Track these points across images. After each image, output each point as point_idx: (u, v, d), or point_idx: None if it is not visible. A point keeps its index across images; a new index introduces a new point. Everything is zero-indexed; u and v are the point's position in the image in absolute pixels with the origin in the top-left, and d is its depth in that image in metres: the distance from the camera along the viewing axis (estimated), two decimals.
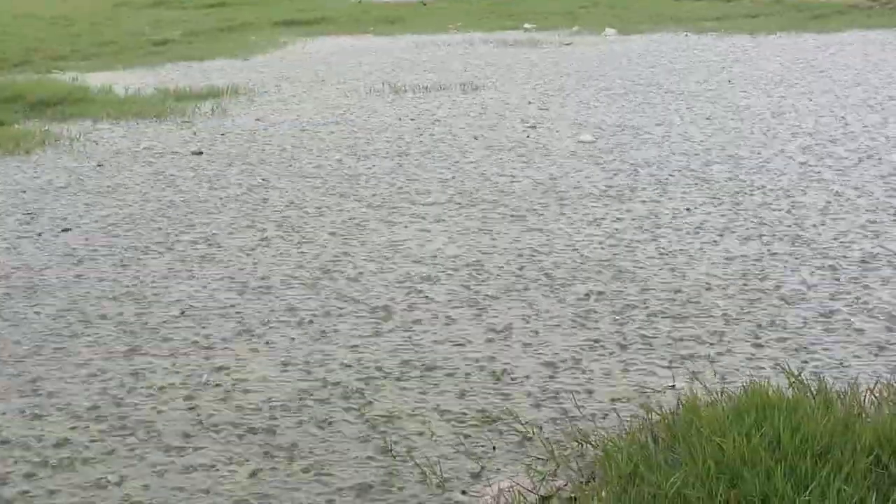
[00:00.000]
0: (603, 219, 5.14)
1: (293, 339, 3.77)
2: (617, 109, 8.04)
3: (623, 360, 3.50)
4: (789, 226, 4.92)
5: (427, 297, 4.15)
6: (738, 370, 3.38)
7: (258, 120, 8.13)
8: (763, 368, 3.38)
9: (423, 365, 3.51)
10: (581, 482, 2.70)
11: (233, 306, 4.11)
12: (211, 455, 2.95)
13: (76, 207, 5.67)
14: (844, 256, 4.46)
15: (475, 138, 7.15)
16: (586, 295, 4.11)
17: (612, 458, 2.70)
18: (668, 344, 3.61)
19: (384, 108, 8.46)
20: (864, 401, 2.98)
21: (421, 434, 3.03)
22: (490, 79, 9.81)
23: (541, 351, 3.59)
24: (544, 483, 2.71)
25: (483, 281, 4.31)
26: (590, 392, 3.26)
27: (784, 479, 2.46)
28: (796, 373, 3.21)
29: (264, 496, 2.74)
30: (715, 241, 4.73)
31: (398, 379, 3.41)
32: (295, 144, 7.18)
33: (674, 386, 3.27)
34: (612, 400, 3.20)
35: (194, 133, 7.69)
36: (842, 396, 2.99)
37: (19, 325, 3.98)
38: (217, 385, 3.40)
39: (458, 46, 12.54)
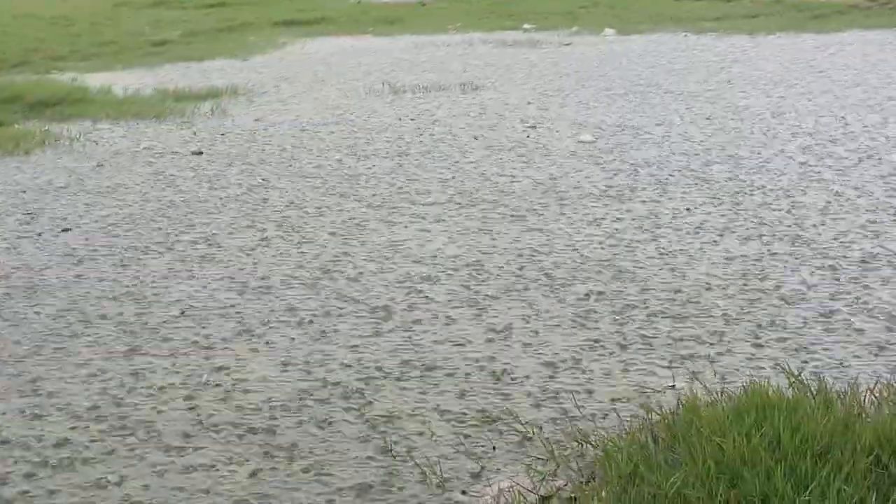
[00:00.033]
0: (603, 219, 5.14)
1: (293, 339, 3.77)
2: (616, 109, 8.04)
3: (623, 360, 3.50)
4: (789, 226, 4.92)
5: (427, 297, 4.15)
6: (738, 370, 3.38)
7: (258, 120, 8.13)
8: (763, 368, 3.38)
9: (423, 365, 3.51)
10: (581, 482, 2.70)
11: (233, 306, 4.11)
12: (211, 455, 2.95)
13: (76, 207, 5.67)
14: (844, 256, 4.46)
15: (475, 138, 7.16)
16: (586, 295, 4.11)
17: (612, 458, 2.70)
18: (668, 344, 3.61)
19: (384, 109, 8.46)
20: (864, 401, 2.98)
21: (421, 434, 3.03)
22: (489, 79, 9.81)
23: (541, 351, 3.59)
24: (544, 483, 2.71)
25: (483, 281, 4.31)
26: (590, 392, 3.26)
27: (784, 479, 2.46)
28: (796, 373, 3.21)
29: (264, 496, 2.74)
30: (715, 241, 4.73)
31: (398, 379, 3.41)
32: (294, 144, 7.18)
33: (674, 386, 3.27)
34: (612, 400, 3.20)
35: (194, 133, 7.69)
36: (842, 396, 2.99)
37: (19, 325, 3.98)
38: (217, 385, 3.40)
39: (458, 47, 12.54)
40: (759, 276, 4.25)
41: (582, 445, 2.89)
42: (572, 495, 2.64)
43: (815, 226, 4.90)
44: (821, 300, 3.97)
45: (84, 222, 5.38)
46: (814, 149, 6.48)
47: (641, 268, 4.41)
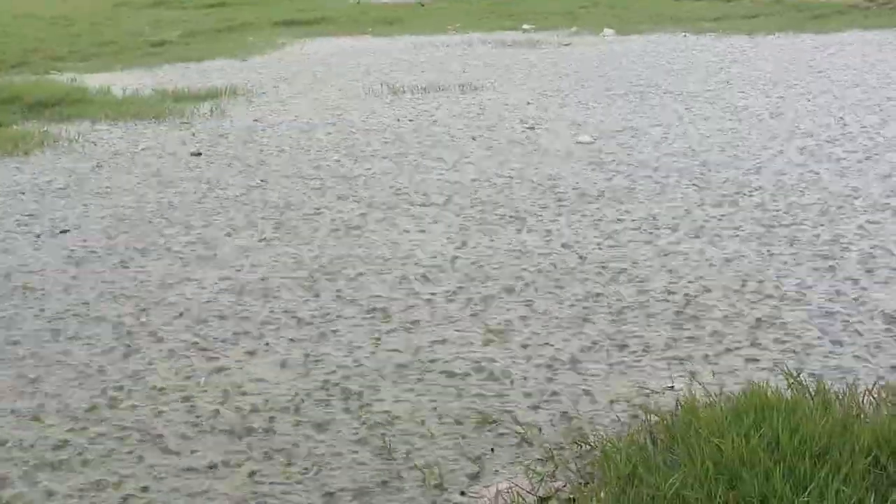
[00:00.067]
0: (601, 220, 5.14)
1: (292, 340, 3.77)
2: (616, 110, 8.04)
3: (621, 361, 3.50)
4: (788, 226, 4.92)
5: (425, 298, 4.15)
6: (736, 371, 3.38)
7: (256, 121, 8.13)
8: (762, 369, 3.38)
9: (421, 366, 3.51)
10: (580, 483, 2.69)
11: (231, 307, 4.11)
12: (209, 457, 2.94)
13: (75, 209, 5.67)
14: (843, 257, 4.46)
15: (474, 139, 7.15)
16: (585, 296, 4.11)
17: (611, 459, 2.70)
18: (667, 345, 3.61)
19: (383, 109, 8.46)
20: (863, 402, 2.98)
21: (420, 435, 3.03)
22: (489, 79, 9.81)
23: (539, 352, 3.59)
24: (543, 484, 2.71)
25: (481, 282, 4.31)
26: (588, 393, 3.26)
27: (783, 480, 2.46)
28: (795, 374, 3.21)
29: (262, 497, 2.74)
30: (713, 242, 4.73)
31: (397, 380, 3.41)
32: (293, 145, 7.18)
33: (672, 387, 3.26)
34: (611, 401, 3.20)
35: (193, 134, 7.69)
36: (840, 397, 2.99)
37: (17, 326, 3.98)
38: (215, 386, 3.40)
39: (457, 47, 12.54)
40: (758, 277, 4.25)
41: (580, 447, 2.89)
42: (571, 496, 2.64)
43: (813, 226, 4.90)
44: (819, 301, 3.97)
45: (82, 223, 5.37)
46: (812, 149, 6.48)
47: (640, 269, 4.41)
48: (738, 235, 4.81)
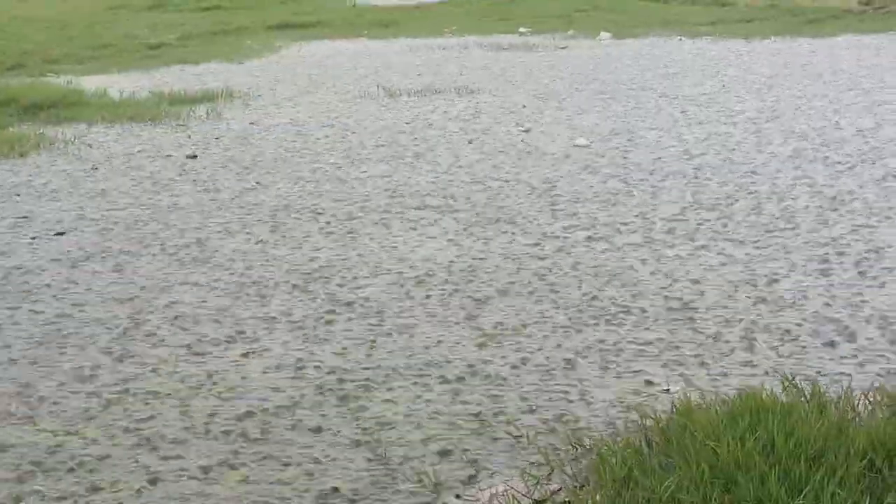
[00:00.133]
0: (597, 222, 5.14)
1: (286, 342, 3.76)
2: (611, 114, 8.05)
3: (617, 363, 3.50)
4: (783, 229, 4.92)
5: (420, 300, 4.15)
6: (732, 374, 3.38)
7: (252, 123, 8.12)
8: (757, 373, 3.38)
9: (416, 368, 3.51)
10: (575, 486, 2.69)
11: (226, 310, 4.11)
12: (204, 459, 2.94)
13: (70, 211, 5.66)
14: (839, 260, 4.46)
15: (469, 142, 7.15)
16: (580, 299, 4.11)
17: (607, 461, 2.70)
18: (663, 348, 3.61)
19: (378, 112, 8.46)
20: (858, 405, 2.99)
21: (415, 438, 3.02)
22: (485, 82, 9.81)
23: (535, 354, 3.59)
24: (539, 487, 2.70)
25: (477, 284, 4.31)
26: (584, 396, 3.26)
27: (778, 484, 2.46)
28: (790, 377, 3.21)
29: (257, 500, 2.73)
30: (708, 246, 4.73)
31: (392, 382, 3.40)
32: (289, 148, 7.18)
33: (668, 390, 3.26)
34: (607, 404, 3.20)
35: (189, 136, 7.68)
36: (835, 401, 2.99)
37: (12, 329, 3.97)
38: (210, 389, 3.39)
39: (453, 50, 12.54)
40: (753, 280, 4.25)
41: (576, 449, 2.89)
42: (567, 499, 2.64)
43: (809, 230, 4.90)
44: (815, 303, 3.97)
45: (78, 225, 5.37)
46: (807, 152, 6.48)
47: (635, 271, 4.41)
48: (730, 238, 4.81)
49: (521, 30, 14.38)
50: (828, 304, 3.96)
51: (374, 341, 3.75)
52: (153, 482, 2.83)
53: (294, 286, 4.35)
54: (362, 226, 5.23)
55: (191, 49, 13.59)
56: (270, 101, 9.21)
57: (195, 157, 6.95)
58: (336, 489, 2.76)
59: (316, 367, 3.54)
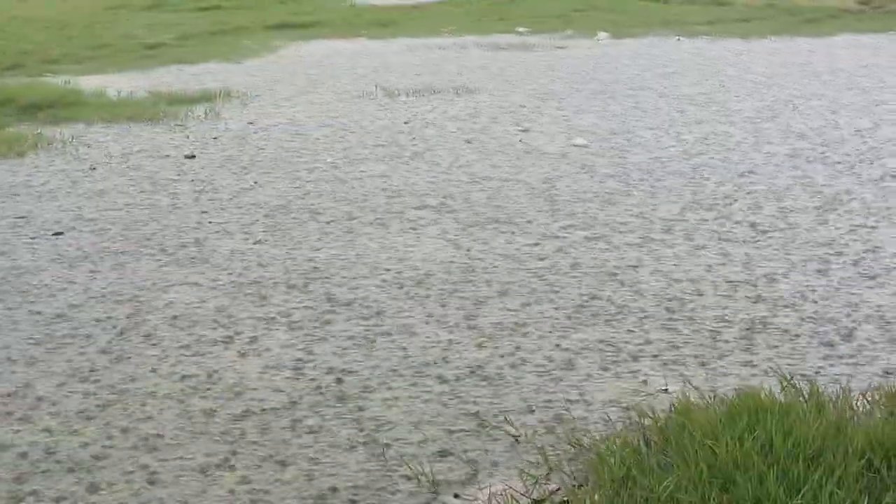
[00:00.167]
0: (595, 222, 5.14)
1: (284, 342, 3.77)
2: (610, 113, 8.05)
3: (616, 363, 3.50)
4: (781, 229, 4.93)
5: (418, 300, 4.15)
6: (730, 374, 3.38)
7: (251, 123, 8.12)
8: (756, 373, 3.38)
9: (414, 368, 3.51)
10: (574, 486, 2.70)
11: (224, 309, 4.11)
12: (201, 460, 2.94)
13: (68, 211, 5.66)
14: (837, 260, 4.46)
15: (468, 142, 7.16)
16: (579, 298, 4.11)
17: (605, 461, 2.70)
18: (661, 348, 3.61)
19: (377, 112, 8.46)
20: (856, 404, 2.99)
21: (413, 438, 3.02)
22: (483, 82, 9.81)
23: (533, 354, 3.59)
24: (537, 487, 2.71)
25: (475, 284, 4.31)
26: (582, 395, 3.26)
27: (776, 483, 2.46)
28: (789, 376, 3.21)
29: (255, 500, 2.73)
30: (707, 245, 4.73)
31: (390, 382, 3.41)
32: (287, 148, 7.17)
33: (666, 389, 3.27)
34: (605, 403, 3.20)
35: (187, 136, 7.68)
36: (834, 400, 2.99)
37: (10, 329, 3.97)
38: (208, 388, 3.40)
39: (451, 50, 12.54)
40: (752, 280, 4.26)
41: (575, 449, 2.89)
42: (565, 499, 2.64)
43: (807, 230, 4.91)
44: (813, 304, 3.97)
45: (76, 226, 5.36)
46: (806, 152, 6.49)
47: (634, 272, 4.41)
48: (729, 238, 4.81)
49: (520, 30, 14.37)
50: (826, 303, 3.96)
51: (373, 341, 3.75)
52: (152, 482, 2.83)
53: (292, 286, 4.35)
54: (360, 225, 5.23)
55: (188, 49, 13.57)
56: (269, 100, 9.20)
57: (193, 157, 6.94)
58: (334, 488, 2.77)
59: (314, 366, 3.54)
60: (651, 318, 3.89)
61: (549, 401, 3.23)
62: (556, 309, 4.01)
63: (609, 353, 3.58)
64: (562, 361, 3.52)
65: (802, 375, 3.29)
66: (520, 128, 7.58)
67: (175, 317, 4.04)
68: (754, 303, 4.00)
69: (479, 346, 3.68)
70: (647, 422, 2.96)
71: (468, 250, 4.77)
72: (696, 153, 6.57)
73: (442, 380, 3.41)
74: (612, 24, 14.53)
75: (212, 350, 3.71)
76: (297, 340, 3.78)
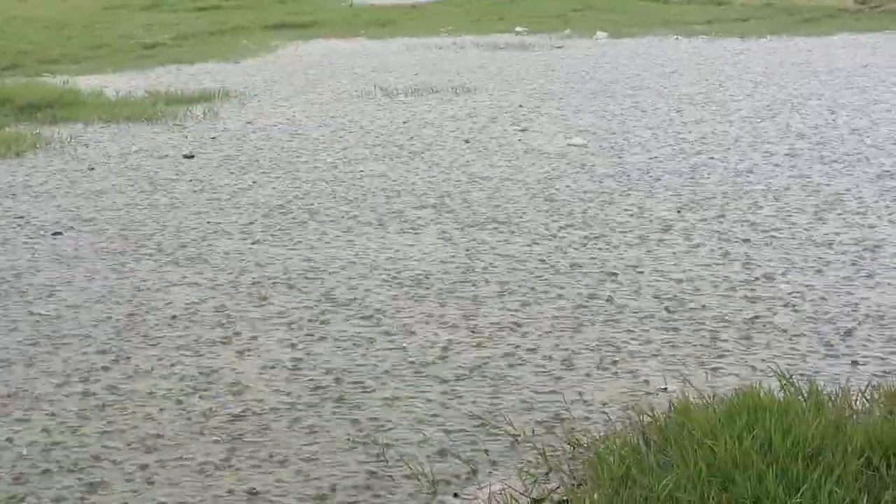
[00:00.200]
0: (594, 222, 5.14)
1: (283, 342, 3.76)
2: (608, 113, 8.05)
3: (615, 362, 3.50)
4: (779, 229, 4.93)
5: (417, 300, 4.15)
6: (729, 373, 3.38)
7: (249, 123, 8.12)
8: (755, 372, 3.38)
9: (413, 368, 3.51)
10: (573, 485, 2.70)
11: (223, 310, 4.10)
12: (200, 459, 2.94)
13: (67, 211, 5.65)
14: (836, 259, 4.47)
15: (466, 142, 7.16)
16: (577, 298, 4.11)
17: (604, 460, 2.70)
18: (660, 347, 3.61)
19: (375, 112, 8.46)
20: (855, 403, 2.99)
21: (412, 437, 3.02)
22: (481, 82, 9.81)
23: (532, 354, 3.59)
24: (536, 486, 2.71)
25: (474, 284, 4.31)
26: (581, 395, 3.26)
27: (776, 482, 2.46)
28: (787, 375, 3.21)
29: (254, 500, 2.73)
30: (705, 245, 4.73)
31: (389, 382, 3.41)
32: (286, 148, 7.17)
33: (665, 388, 3.27)
34: (604, 403, 3.20)
35: (185, 136, 7.68)
36: (833, 399, 2.99)
37: (8, 329, 3.97)
38: (207, 389, 3.39)
39: (450, 50, 12.54)
40: (751, 279, 4.26)
41: (574, 448, 2.89)
42: (564, 498, 2.64)
43: (805, 229, 4.91)
44: (812, 303, 3.97)
45: (75, 225, 5.36)
46: (804, 151, 6.49)
47: (632, 271, 4.41)
48: (726, 237, 4.81)
49: (518, 29, 14.38)
50: (824, 302, 3.96)
51: (373, 340, 3.75)
52: (150, 482, 2.83)
53: (291, 286, 4.35)
54: (359, 225, 5.23)
55: (186, 49, 13.58)
56: (267, 100, 9.20)
57: (192, 156, 6.94)
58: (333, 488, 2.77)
59: (312, 366, 3.54)
60: (650, 316, 3.89)
61: (549, 400, 3.23)
62: (554, 308, 4.01)
63: (607, 352, 3.58)
64: (561, 360, 3.52)
65: (801, 375, 3.30)
66: (518, 127, 7.59)
67: (174, 317, 4.04)
68: (753, 301, 4.00)
69: (478, 345, 3.68)
70: (646, 420, 2.96)
71: (467, 250, 4.77)
72: (694, 153, 6.58)
73: (441, 378, 3.41)
74: (611, 23, 14.55)
75: (211, 350, 3.71)
76: (295, 340, 3.77)
